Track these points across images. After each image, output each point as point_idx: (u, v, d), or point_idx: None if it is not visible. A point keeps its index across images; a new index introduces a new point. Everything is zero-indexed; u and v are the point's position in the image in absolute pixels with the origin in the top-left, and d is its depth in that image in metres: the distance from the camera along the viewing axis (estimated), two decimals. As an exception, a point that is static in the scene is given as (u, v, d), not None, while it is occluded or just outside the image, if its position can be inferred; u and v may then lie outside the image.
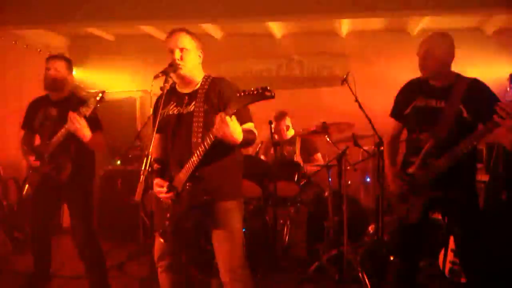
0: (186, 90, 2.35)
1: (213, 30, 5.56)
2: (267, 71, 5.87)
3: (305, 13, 4.11)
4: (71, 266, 3.83)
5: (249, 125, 2.25)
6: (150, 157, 2.03)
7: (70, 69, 3.20)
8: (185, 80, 2.32)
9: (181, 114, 2.31)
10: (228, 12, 4.15)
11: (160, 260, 2.41)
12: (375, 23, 5.30)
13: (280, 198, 3.79)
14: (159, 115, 2.26)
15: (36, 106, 3.22)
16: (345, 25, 5.35)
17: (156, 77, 2.20)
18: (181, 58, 2.25)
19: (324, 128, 3.77)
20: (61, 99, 3.15)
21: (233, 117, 1.98)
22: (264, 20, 4.95)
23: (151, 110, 2.46)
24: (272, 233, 3.68)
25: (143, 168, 1.98)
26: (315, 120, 4.06)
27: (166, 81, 2.21)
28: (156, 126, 2.20)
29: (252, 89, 1.89)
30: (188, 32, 2.33)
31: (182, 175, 2.22)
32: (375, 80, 5.28)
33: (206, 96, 2.27)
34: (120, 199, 4.88)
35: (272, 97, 1.86)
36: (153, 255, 2.47)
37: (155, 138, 2.35)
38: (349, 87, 3.41)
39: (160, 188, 2.28)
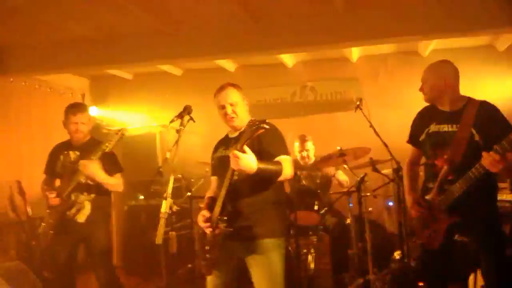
0: (234, 135, 2.59)
1: (226, 63, 5.71)
2: (281, 99, 5.95)
3: (315, 44, 4.19)
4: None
5: (281, 158, 2.39)
6: (169, 199, 2.10)
7: (90, 116, 3.34)
8: (235, 128, 2.56)
9: (225, 156, 2.48)
10: (241, 47, 4.26)
11: None
12: (386, 46, 5.33)
13: (301, 228, 3.78)
14: (212, 159, 2.63)
15: (57, 152, 3.36)
16: (356, 50, 5.41)
17: (171, 121, 2.34)
18: (233, 112, 2.51)
19: (341, 155, 3.78)
20: (83, 143, 3.27)
21: (246, 148, 2.15)
22: (276, 53, 5.06)
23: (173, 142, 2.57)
24: (296, 263, 3.65)
25: (162, 211, 2.04)
26: (331, 145, 4.08)
27: (182, 124, 2.35)
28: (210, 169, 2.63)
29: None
30: (235, 86, 2.58)
31: (216, 208, 2.34)
32: (388, 103, 5.28)
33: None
34: (144, 233, 4.94)
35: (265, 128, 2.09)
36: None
37: (212, 180, 2.67)
38: (363, 114, 3.44)
39: (201, 217, 2.44)
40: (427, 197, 2.61)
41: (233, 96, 2.51)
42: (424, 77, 2.67)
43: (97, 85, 6.34)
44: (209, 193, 2.69)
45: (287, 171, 2.36)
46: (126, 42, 4.59)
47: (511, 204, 3.70)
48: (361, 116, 3.51)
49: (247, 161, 2.15)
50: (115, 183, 3.15)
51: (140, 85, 6.14)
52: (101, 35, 4.49)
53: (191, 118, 2.47)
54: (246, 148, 2.15)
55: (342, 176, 4.41)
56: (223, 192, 2.27)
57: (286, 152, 2.46)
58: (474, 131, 2.45)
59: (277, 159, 2.37)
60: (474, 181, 2.36)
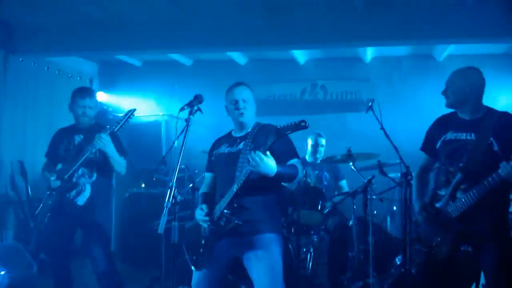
0: (239, 134, 2.61)
1: (237, 56, 5.65)
2: (290, 95, 5.89)
3: (329, 42, 4.13)
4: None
5: (294, 161, 2.48)
6: (174, 189, 2.07)
7: (97, 101, 3.32)
8: (242, 125, 2.58)
9: (231, 153, 2.53)
10: (253, 41, 4.21)
11: None
12: (401, 49, 5.26)
13: (303, 226, 3.74)
14: (212, 155, 2.61)
15: (61, 136, 3.33)
16: (370, 51, 5.34)
17: (181, 109, 2.30)
18: (244, 108, 2.54)
19: (349, 156, 3.73)
20: (88, 127, 3.24)
21: (268, 153, 2.19)
22: (290, 49, 5.00)
23: (176, 134, 2.58)
24: (296, 261, 3.61)
25: (166, 200, 2.01)
26: (339, 146, 4.03)
27: (191, 113, 2.34)
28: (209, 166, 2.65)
29: (289, 123, 2.14)
30: (248, 86, 2.64)
31: (221, 204, 2.36)
32: (400, 106, 5.21)
33: (254, 138, 2.48)
34: (144, 222, 4.91)
35: (306, 127, 2.09)
36: (175, 281, 2.47)
37: (206, 177, 2.68)
38: (375, 115, 3.38)
39: (201, 211, 2.44)
40: (437, 204, 2.56)
41: (247, 93, 2.57)
42: (449, 80, 2.61)
43: (106, 71, 6.30)
44: (203, 190, 2.69)
45: (300, 174, 2.47)
46: (138, 28, 4.55)
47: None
48: (371, 117, 3.44)
49: (268, 164, 2.20)
50: (121, 162, 3.13)
51: (149, 73, 6.10)
52: (113, 20, 4.46)
53: (199, 109, 2.44)
54: (267, 152, 2.20)
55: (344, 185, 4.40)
56: (234, 188, 2.28)
57: (297, 156, 2.53)
58: (493, 141, 2.40)
59: (290, 162, 2.44)
60: (488, 192, 2.31)
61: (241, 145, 2.49)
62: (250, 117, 2.57)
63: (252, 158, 2.18)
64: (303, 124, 2.08)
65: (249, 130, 2.56)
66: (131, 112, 2.99)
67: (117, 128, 2.96)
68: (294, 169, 2.42)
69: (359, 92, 5.62)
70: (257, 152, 2.17)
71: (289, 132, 2.13)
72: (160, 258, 4.03)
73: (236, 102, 2.53)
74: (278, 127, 2.16)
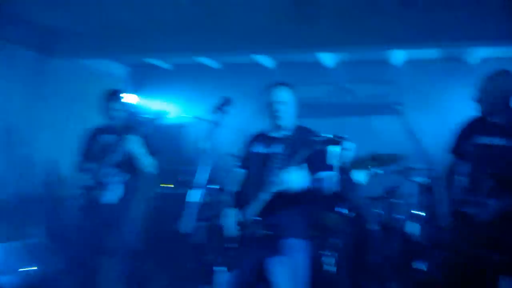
0: (277, 134, 2.55)
1: (264, 59, 5.67)
2: (317, 98, 5.85)
3: (357, 45, 4.09)
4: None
5: (326, 174, 2.38)
6: (200, 190, 2.11)
7: (126, 102, 3.41)
8: (280, 128, 2.51)
9: (266, 154, 2.47)
10: (280, 44, 4.22)
11: None
12: (431, 51, 5.15)
13: (323, 229, 3.71)
14: (247, 152, 2.59)
15: (93, 135, 3.44)
16: (399, 54, 5.25)
17: (211, 111, 2.42)
18: (281, 110, 2.46)
19: (373, 159, 3.67)
20: (118, 127, 3.33)
21: (297, 168, 2.15)
22: (316, 51, 4.98)
23: (204, 136, 2.60)
24: (314, 264, 3.58)
25: (194, 200, 2.05)
26: (366, 149, 3.97)
27: (220, 115, 2.42)
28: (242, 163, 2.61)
29: (323, 137, 2.16)
30: (288, 86, 2.56)
31: (250, 210, 2.35)
32: (430, 110, 5.10)
33: (293, 143, 2.41)
34: (169, 221, 4.98)
35: (338, 143, 2.06)
36: (197, 281, 2.52)
37: (239, 173, 2.65)
38: (403, 119, 3.32)
39: (229, 217, 2.43)
40: (467, 210, 2.49)
41: (285, 95, 2.49)
42: (481, 88, 2.54)
43: (137, 73, 6.45)
44: (236, 188, 2.66)
45: (332, 188, 2.39)
46: (167, 32, 4.66)
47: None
48: (398, 121, 3.39)
49: (296, 181, 2.18)
50: (151, 163, 3.21)
51: (178, 76, 6.21)
52: (143, 25, 4.58)
53: (227, 112, 2.47)
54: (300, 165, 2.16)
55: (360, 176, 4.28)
56: (263, 196, 2.28)
57: (331, 168, 2.45)
58: None
59: (322, 175, 2.37)
60: None
61: (277, 149, 2.44)
62: (287, 120, 2.49)
63: (277, 179, 2.16)
64: (336, 139, 2.04)
65: (287, 133, 2.50)
66: (162, 115, 3.06)
67: (148, 131, 3.03)
68: (322, 184, 2.35)
69: (387, 95, 5.52)
70: (287, 169, 2.15)
71: (322, 146, 2.12)
72: (182, 257, 4.10)
73: (273, 104, 2.47)
74: (312, 139, 2.13)
